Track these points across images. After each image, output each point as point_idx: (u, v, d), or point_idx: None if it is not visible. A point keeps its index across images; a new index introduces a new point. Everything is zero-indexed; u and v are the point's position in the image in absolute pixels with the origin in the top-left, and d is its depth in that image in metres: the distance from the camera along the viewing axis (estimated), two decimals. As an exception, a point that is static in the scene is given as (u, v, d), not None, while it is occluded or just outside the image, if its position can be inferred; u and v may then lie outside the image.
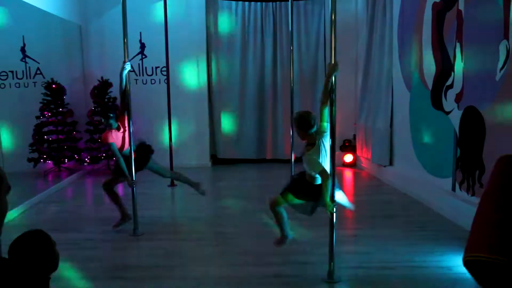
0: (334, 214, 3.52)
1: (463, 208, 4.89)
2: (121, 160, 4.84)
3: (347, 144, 9.09)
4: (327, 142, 3.62)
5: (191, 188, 5.58)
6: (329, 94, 3.53)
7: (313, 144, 3.66)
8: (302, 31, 9.18)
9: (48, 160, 8.13)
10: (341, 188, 4.13)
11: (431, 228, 4.89)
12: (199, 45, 9.04)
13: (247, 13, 9.14)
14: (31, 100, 8.30)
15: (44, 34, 8.47)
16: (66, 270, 3.87)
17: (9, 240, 1.86)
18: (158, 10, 8.05)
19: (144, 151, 5.23)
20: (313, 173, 3.64)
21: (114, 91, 8.37)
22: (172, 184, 7.38)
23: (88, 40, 8.95)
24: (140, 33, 8.84)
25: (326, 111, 3.62)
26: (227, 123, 9.44)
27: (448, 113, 5.34)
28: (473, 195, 4.76)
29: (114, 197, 5.08)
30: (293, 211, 3.98)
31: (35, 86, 8.53)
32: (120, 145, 4.97)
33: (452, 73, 5.21)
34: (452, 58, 5.21)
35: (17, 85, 8.35)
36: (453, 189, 5.22)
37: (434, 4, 5.66)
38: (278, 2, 9.10)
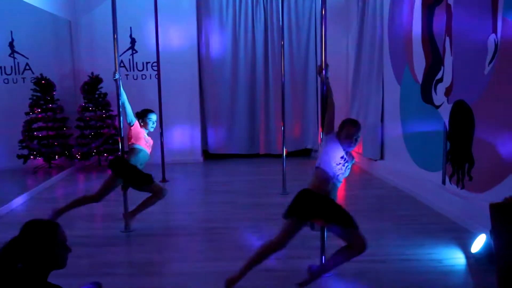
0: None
1: (453, 201, 4.93)
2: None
3: (338, 138, 9.10)
4: None
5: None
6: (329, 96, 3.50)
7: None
8: (293, 25, 9.18)
9: (38, 157, 8.06)
10: None
11: (422, 221, 4.92)
12: (190, 39, 9.00)
13: (237, 8, 9.11)
14: (20, 96, 8.22)
15: (33, 29, 8.38)
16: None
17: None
18: (148, 5, 7.99)
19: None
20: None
21: (105, 87, 8.32)
22: (163, 180, 7.37)
23: (78, 35, 8.88)
24: (130, 28, 8.79)
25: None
26: (219, 119, 9.42)
27: (438, 107, 5.37)
28: (462, 188, 4.79)
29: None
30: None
31: (24, 82, 8.45)
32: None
33: (442, 67, 5.24)
34: (441, 52, 5.24)
35: (6, 81, 8.26)
36: (443, 182, 5.26)
37: (424, -2, 5.68)
38: (268, -3, 9.08)
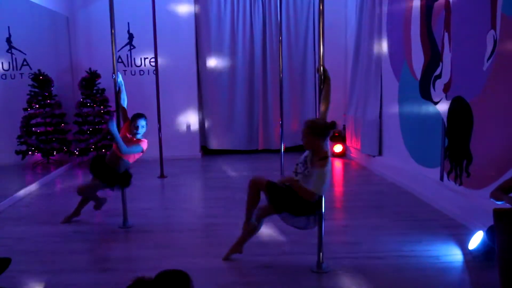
0: (323, 204, 3.53)
1: (451, 197, 4.94)
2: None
3: (336, 134, 9.11)
4: None
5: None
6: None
7: (326, 157, 3.42)
8: (292, 20, 9.16)
9: (37, 152, 8.06)
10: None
11: (420, 218, 4.93)
12: (188, 34, 8.98)
13: (236, 2, 9.08)
14: (18, 92, 8.20)
15: (31, 25, 8.35)
16: (55, 264, 3.86)
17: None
18: (145, 0, 7.96)
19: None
20: (312, 188, 3.39)
21: (103, 83, 8.30)
22: (161, 176, 7.37)
23: (76, 31, 8.85)
24: (128, 23, 8.76)
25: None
26: (217, 114, 9.41)
27: (436, 103, 5.37)
28: (460, 184, 4.80)
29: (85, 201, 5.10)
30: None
31: (22, 77, 8.43)
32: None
33: (440, 63, 5.23)
34: (440, 48, 5.23)
35: (4, 76, 8.23)
36: (441, 178, 5.27)
37: (423, -6, 5.67)
38: (267, -8, 9.06)
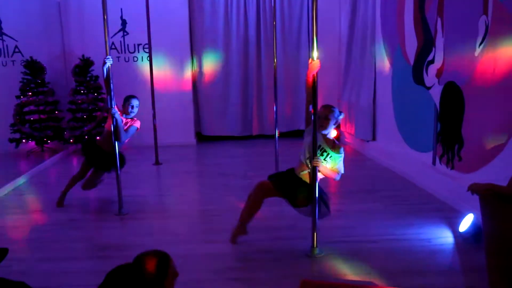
0: (316, 189, 3.58)
1: (443, 181, 5.00)
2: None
3: (331, 119, 9.13)
4: None
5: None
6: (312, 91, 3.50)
7: (335, 142, 3.71)
8: (285, 5, 9.11)
9: (30, 140, 8.04)
10: None
11: (412, 202, 5.00)
12: (182, 20, 8.91)
13: (229, -12, 9.01)
14: (10, 79, 8.16)
15: (21, 11, 8.27)
16: (51, 252, 3.89)
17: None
18: (138, -14, 7.89)
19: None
20: (340, 170, 3.75)
21: (96, 70, 8.26)
22: (156, 163, 7.39)
23: (68, 17, 8.75)
24: (121, 9, 8.68)
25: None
26: (212, 100, 9.40)
27: (429, 88, 5.40)
28: (452, 168, 4.86)
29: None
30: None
31: (13, 64, 8.38)
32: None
33: (433, 48, 5.24)
34: (433, 34, 5.24)
35: (-5, 63, 8.20)
36: (434, 163, 5.32)
37: (416, -22, 5.65)
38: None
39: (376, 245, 3.85)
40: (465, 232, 3.85)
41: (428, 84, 5.42)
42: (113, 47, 8.77)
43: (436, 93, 5.20)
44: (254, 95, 9.46)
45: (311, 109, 3.51)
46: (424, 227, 4.18)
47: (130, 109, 4.97)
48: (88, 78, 8.30)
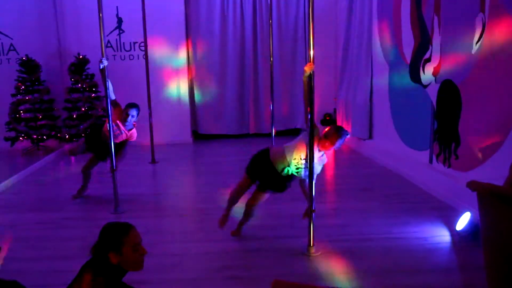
0: (313, 187, 3.56)
1: (439, 180, 5.00)
2: None
3: (327, 118, 9.14)
4: None
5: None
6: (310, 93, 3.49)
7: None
8: (282, 4, 9.09)
9: (26, 139, 8.00)
10: None
11: (409, 200, 4.99)
12: (178, 18, 8.88)
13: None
14: (5, 77, 8.12)
15: (17, 9, 8.22)
16: (46, 250, 3.86)
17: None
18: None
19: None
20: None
21: (92, 68, 8.22)
22: (153, 161, 7.37)
23: (64, 15, 8.71)
24: (117, 7, 8.64)
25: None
26: (208, 98, 9.38)
27: (425, 86, 5.39)
28: (449, 167, 4.85)
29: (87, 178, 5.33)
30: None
31: (9, 62, 8.34)
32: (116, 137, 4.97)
33: (430, 46, 5.24)
34: (430, 32, 5.23)
35: (-10, 62, 8.15)
36: (430, 161, 5.32)
37: (413, -24, 5.64)
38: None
39: (372, 243, 3.84)
40: (462, 231, 3.85)
41: (425, 82, 5.42)
42: (108, 45, 8.73)
43: (433, 91, 5.19)
44: (250, 93, 9.44)
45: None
46: (420, 226, 4.17)
47: (126, 117, 4.99)
48: (84, 76, 8.26)
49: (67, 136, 8.24)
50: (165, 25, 8.73)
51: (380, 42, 6.85)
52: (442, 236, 3.94)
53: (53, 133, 8.22)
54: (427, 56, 5.33)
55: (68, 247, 3.94)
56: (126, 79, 8.51)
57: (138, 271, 2.11)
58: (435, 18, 5.07)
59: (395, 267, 3.38)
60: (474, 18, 4.27)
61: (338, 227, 4.23)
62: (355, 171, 6.55)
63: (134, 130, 5.15)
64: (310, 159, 3.50)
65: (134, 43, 8.82)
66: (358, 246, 3.77)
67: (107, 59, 4.77)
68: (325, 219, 4.39)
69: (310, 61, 3.43)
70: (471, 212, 3.89)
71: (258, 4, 9.05)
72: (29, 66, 7.93)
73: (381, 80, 6.85)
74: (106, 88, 4.73)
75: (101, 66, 4.66)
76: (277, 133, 7.47)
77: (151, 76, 7.47)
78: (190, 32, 9.12)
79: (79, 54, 8.24)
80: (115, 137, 4.90)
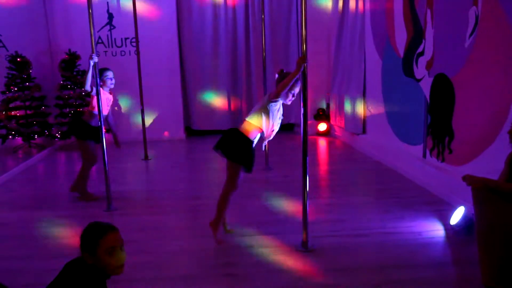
0: (307, 184, 3.54)
1: (433, 174, 5.00)
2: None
3: (321, 113, 9.13)
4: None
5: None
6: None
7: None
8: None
9: (17, 136, 7.92)
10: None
11: (403, 195, 4.99)
12: (169, 13, 8.82)
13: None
14: (-6, 74, 8.02)
15: (5, 4, 8.11)
16: (38, 249, 3.82)
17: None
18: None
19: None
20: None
21: (83, 64, 8.15)
22: (146, 158, 7.32)
23: (53, 10, 8.61)
24: (107, 3, 8.55)
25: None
26: (200, 94, 9.33)
27: (419, 80, 5.38)
28: (443, 161, 4.86)
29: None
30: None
31: (-2, 59, 8.23)
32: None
33: (423, 40, 5.23)
34: (423, 25, 5.22)
35: (-21, 59, 8.04)
36: (424, 155, 5.32)
37: (406, -30, 5.62)
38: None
39: (367, 238, 3.83)
40: (456, 225, 3.85)
41: (418, 76, 5.41)
42: (100, 41, 8.65)
43: (426, 85, 5.18)
44: (243, 89, 9.40)
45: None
46: (415, 220, 4.17)
47: (109, 82, 5.06)
48: (75, 73, 8.18)
49: (58, 134, 8.16)
50: (157, 21, 8.66)
51: (373, 36, 6.83)
52: (436, 230, 3.94)
53: (45, 131, 8.15)
54: (420, 49, 5.32)
55: (61, 245, 3.90)
56: (118, 75, 8.36)
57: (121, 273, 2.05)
58: (428, 11, 5.06)
59: (389, 261, 3.37)
60: (467, 11, 4.26)
61: (332, 222, 4.22)
62: (349, 166, 6.54)
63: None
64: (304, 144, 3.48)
65: (126, 39, 8.74)
66: (353, 242, 3.77)
67: (98, 55, 4.74)
68: (319, 215, 4.38)
69: (303, 55, 3.41)
70: (465, 207, 3.89)
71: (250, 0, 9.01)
72: (19, 63, 7.84)
73: (374, 75, 6.84)
74: (97, 84, 4.69)
75: (92, 63, 4.63)
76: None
77: (143, 72, 7.40)
78: (182, 26, 9.05)
79: (69, 51, 8.15)
80: (107, 109, 5.02)
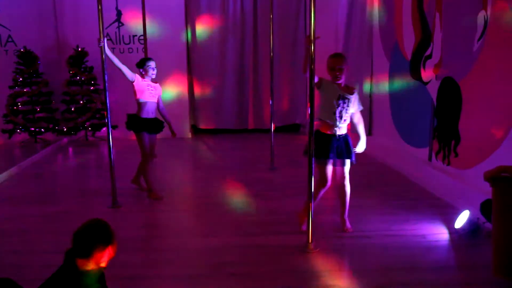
0: (312, 184, 3.54)
1: (439, 177, 4.98)
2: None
3: (327, 114, 9.10)
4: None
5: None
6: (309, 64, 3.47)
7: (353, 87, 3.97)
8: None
9: (24, 131, 7.96)
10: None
11: (408, 197, 4.98)
12: (178, 12, 8.82)
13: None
14: (3, 69, 8.06)
15: (15, 0, 8.16)
16: (42, 244, 3.84)
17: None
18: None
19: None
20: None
21: (91, 61, 8.18)
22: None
23: (62, 7, 8.64)
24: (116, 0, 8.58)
25: None
26: (207, 93, 9.34)
27: (426, 83, 5.37)
28: (448, 164, 4.84)
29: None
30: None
31: (6, 54, 8.28)
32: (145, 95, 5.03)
33: (431, 43, 5.21)
34: (431, 28, 5.20)
35: (-12, 53, 8.10)
36: (430, 158, 5.30)
37: (415, -28, 5.60)
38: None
39: (371, 240, 3.82)
40: (461, 229, 3.84)
41: (425, 79, 5.39)
42: (108, 38, 8.68)
43: (433, 88, 5.17)
44: (250, 89, 9.40)
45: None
46: (419, 223, 4.16)
47: (151, 71, 5.08)
48: (82, 69, 8.22)
49: (65, 129, 8.20)
50: (165, 19, 8.67)
51: (380, 37, 6.81)
52: (441, 234, 3.93)
53: (51, 126, 8.18)
54: (428, 53, 5.31)
55: (64, 241, 3.90)
56: (125, 73, 8.44)
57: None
58: (437, 14, 5.04)
59: (393, 264, 3.36)
60: (476, 15, 4.24)
61: (336, 224, 4.21)
62: (353, 168, 6.50)
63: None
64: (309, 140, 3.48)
65: (133, 36, 8.77)
66: (357, 243, 3.76)
67: (109, 38, 4.78)
68: (324, 216, 4.37)
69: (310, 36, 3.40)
70: (469, 210, 3.87)
71: (259, 0, 9.00)
72: (27, 58, 7.88)
73: (381, 77, 6.82)
74: (103, 70, 4.75)
75: (101, 44, 4.71)
76: (276, 128, 7.43)
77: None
78: (190, 26, 9.05)
79: (77, 47, 8.19)
80: (153, 96, 5.09)
